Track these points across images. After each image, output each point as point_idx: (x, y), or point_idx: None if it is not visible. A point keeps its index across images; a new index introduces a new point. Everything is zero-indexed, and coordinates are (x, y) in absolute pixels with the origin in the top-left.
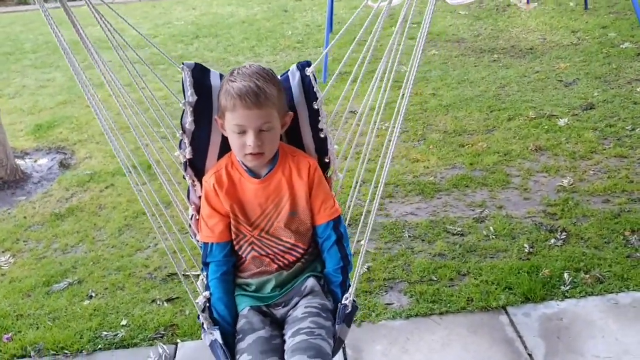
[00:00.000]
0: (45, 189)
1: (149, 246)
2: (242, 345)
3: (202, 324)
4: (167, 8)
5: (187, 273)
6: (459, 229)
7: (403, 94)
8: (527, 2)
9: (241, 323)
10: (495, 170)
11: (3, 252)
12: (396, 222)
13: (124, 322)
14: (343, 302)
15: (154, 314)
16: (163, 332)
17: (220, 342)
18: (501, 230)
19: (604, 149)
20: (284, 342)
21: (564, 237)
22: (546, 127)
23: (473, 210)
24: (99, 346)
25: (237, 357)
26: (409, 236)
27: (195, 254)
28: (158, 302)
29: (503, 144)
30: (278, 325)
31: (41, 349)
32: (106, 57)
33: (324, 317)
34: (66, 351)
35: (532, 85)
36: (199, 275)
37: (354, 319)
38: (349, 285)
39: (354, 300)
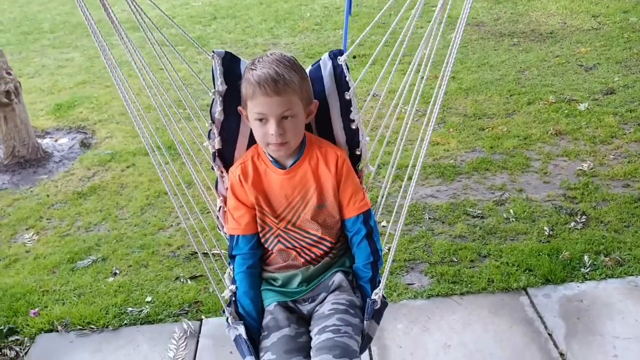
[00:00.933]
0: (66, 168)
1: (172, 225)
2: (266, 342)
3: (227, 318)
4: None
5: (205, 251)
6: (479, 211)
7: (440, 84)
8: None
9: (267, 319)
10: (515, 154)
11: (27, 229)
12: (416, 204)
13: (148, 299)
14: (372, 297)
15: (178, 291)
16: (187, 309)
17: (245, 337)
18: (521, 213)
19: (624, 134)
20: (310, 338)
21: (584, 220)
22: (566, 111)
23: (493, 193)
24: (125, 322)
25: (261, 354)
26: (429, 218)
27: (215, 234)
28: (182, 280)
29: (523, 128)
30: (305, 321)
31: (67, 323)
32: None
33: (351, 313)
34: (92, 326)
35: (552, 70)
36: (218, 253)
37: None
38: (379, 281)
39: (383, 296)
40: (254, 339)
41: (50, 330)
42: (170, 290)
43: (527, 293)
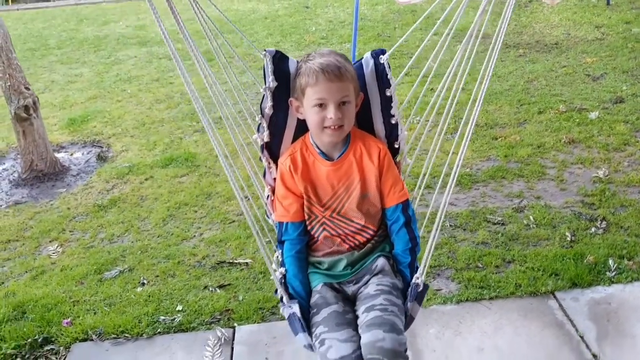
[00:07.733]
0: (85, 181)
1: (194, 236)
2: (317, 318)
3: (281, 297)
4: (188, 5)
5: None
6: (499, 218)
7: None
8: None
9: (315, 298)
10: (530, 162)
11: (50, 241)
12: (436, 212)
13: (179, 308)
14: (414, 281)
15: (208, 300)
16: (219, 317)
17: (299, 315)
18: (541, 219)
19: (637, 141)
20: (356, 317)
21: (604, 225)
22: (577, 120)
23: (511, 200)
24: (158, 330)
25: (313, 329)
26: (451, 225)
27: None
28: (210, 289)
29: (536, 137)
30: (350, 301)
31: (101, 332)
32: (132, 53)
33: (395, 294)
34: (127, 335)
35: (560, 80)
36: (247, 263)
37: None
38: (417, 267)
39: (423, 280)
40: (305, 318)
41: (85, 339)
42: (200, 299)
43: (555, 297)
